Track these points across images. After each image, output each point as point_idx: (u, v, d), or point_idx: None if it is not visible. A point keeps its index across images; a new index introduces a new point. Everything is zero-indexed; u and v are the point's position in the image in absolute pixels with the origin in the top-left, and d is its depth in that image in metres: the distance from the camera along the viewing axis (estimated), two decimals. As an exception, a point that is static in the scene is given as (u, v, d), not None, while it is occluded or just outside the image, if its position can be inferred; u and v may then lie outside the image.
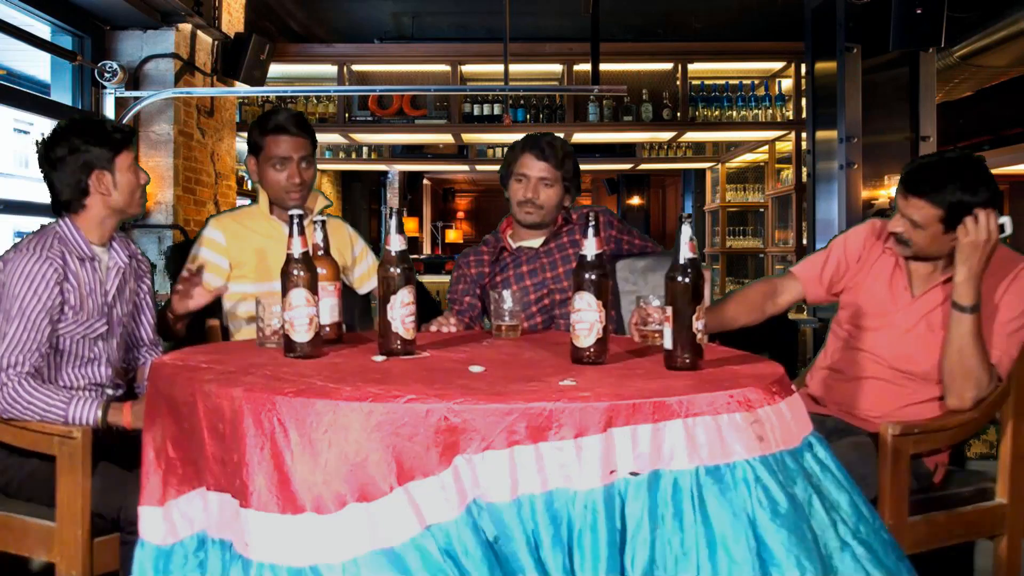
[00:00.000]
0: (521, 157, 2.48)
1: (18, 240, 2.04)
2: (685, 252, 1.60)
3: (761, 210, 7.90)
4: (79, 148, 2.03)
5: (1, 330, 1.93)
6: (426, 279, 7.63)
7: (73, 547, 1.87)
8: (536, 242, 2.57)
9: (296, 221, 1.74)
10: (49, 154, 2.06)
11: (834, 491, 1.48)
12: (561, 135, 7.03)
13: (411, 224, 14.12)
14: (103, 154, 2.04)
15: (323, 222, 2.00)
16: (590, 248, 1.65)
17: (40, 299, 1.95)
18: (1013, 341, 2.00)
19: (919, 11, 4.54)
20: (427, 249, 15.44)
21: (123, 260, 2.16)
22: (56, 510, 1.88)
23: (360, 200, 11.94)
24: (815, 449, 1.49)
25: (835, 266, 2.27)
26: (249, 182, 7.40)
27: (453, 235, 17.25)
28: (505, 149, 8.62)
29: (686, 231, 1.61)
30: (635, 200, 14.65)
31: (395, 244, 1.75)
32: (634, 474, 1.28)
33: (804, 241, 6.24)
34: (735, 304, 2.35)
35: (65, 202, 2.07)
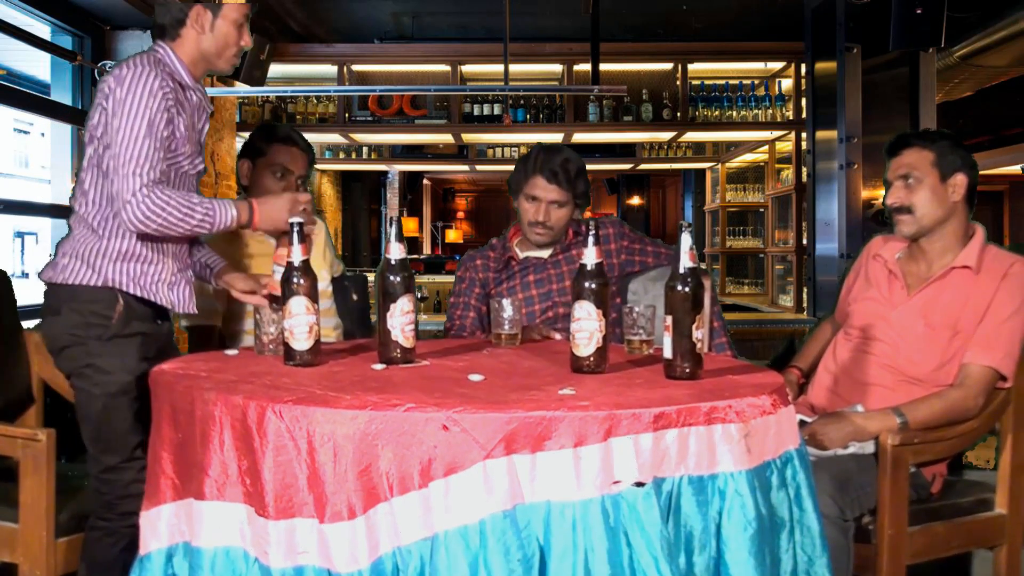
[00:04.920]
0: (533, 178, 2.44)
1: (114, 67, 1.93)
2: (685, 261, 1.60)
3: (761, 210, 7.89)
4: None
5: (133, 147, 1.85)
6: (426, 279, 7.63)
7: (37, 548, 1.88)
8: (544, 253, 2.56)
9: (296, 229, 1.74)
10: None
11: (801, 514, 1.49)
12: (561, 135, 7.06)
13: (411, 224, 14.12)
14: None
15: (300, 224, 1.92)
16: (590, 257, 1.65)
17: (163, 117, 1.89)
18: (1013, 339, 2.02)
19: (919, 11, 4.53)
20: (427, 249, 15.44)
21: (208, 105, 2.11)
22: (19, 511, 1.88)
23: (360, 200, 11.93)
24: (794, 465, 1.49)
25: (847, 291, 2.36)
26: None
27: (453, 235, 17.24)
28: (505, 149, 8.61)
29: (686, 240, 1.61)
30: (635, 200, 14.65)
31: (395, 252, 1.75)
32: (639, 484, 1.29)
33: (804, 241, 6.23)
34: (817, 346, 2.45)
35: (160, 26, 2.02)
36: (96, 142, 1.93)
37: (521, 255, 2.57)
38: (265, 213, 1.95)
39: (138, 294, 1.92)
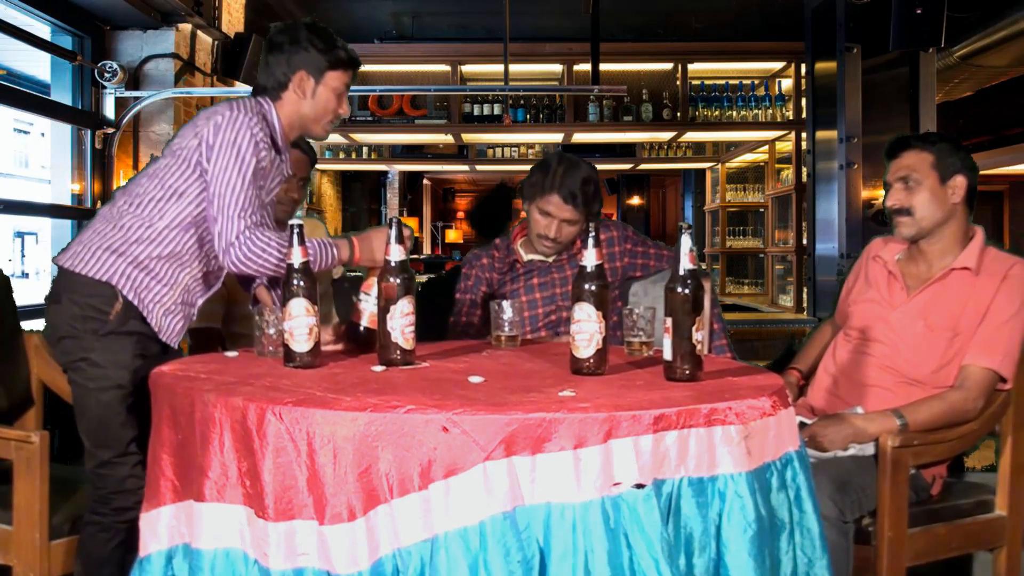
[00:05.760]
0: (549, 195, 2.37)
1: (218, 106, 1.94)
2: (685, 263, 1.60)
3: (761, 210, 7.89)
4: (300, 43, 2.01)
5: (240, 189, 1.87)
6: (426, 279, 7.63)
7: (31, 550, 1.88)
8: (549, 256, 2.55)
9: (296, 231, 1.74)
10: (274, 36, 2.04)
11: (801, 516, 1.50)
12: (561, 135, 7.06)
13: (411, 224, 14.12)
14: (318, 62, 2.01)
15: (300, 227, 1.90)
16: (590, 259, 1.65)
17: (262, 167, 1.92)
18: (1013, 341, 2.02)
19: (919, 11, 4.53)
20: (427, 249, 15.45)
21: (288, 170, 2.10)
22: (13, 513, 1.89)
23: (360, 200, 11.94)
24: (794, 467, 1.50)
25: (846, 292, 2.35)
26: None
27: (453, 235, 17.25)
28: (505, 149, 8.65)
29: (686, 241, 1.60)
30: (635, 200, 14.66)
31: (395, 254, 1.75)
32: (640, 486, 1.29)
33: (804, 241, 6.24)
34: (817, 348, 2.43)
35: (262, 87, 2.04)
36: (173, 158, 1.92)
37: (525, 257, 2.55)
38: (365, 249, 1.96)
39: (135, 303, 1.91)
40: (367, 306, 1.92)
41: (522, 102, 6.78)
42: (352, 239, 1.98)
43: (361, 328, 1.95)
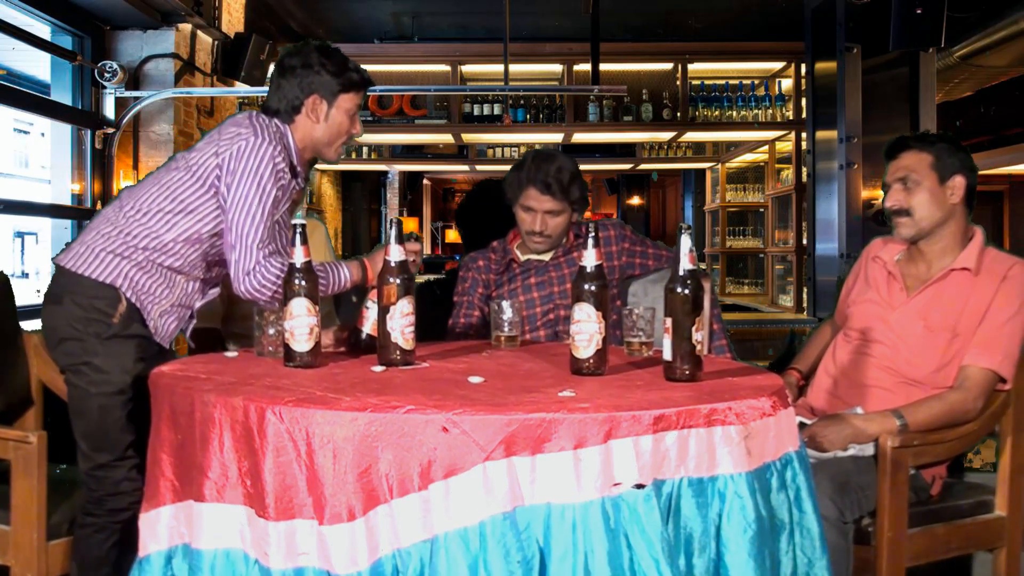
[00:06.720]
0: (526, 189, 2.41)
1: (241, 125, 1.94)
2: (685, 263, 1.60)
3: (761, 210, 7.89)
4: (312, 66, 2.00)
5: (259, 220, 1.88)
6: (426, 280, 7.62)
7: (29, 550, 1.88)
8: (546, 255, 2.54)
9: (299, 231, 1.74)
10: (285, 59, 2.03)
11: (800, 516, 1.50)
12: (561, 135, 7.06)
13: (411, 224, 14.13)
14: (330, 84, 2.01)
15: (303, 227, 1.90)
16: (589, 259, 1.65)
17: (281, 189, 1.93)
18: (1013, 341, 2.02)
19: (919, 11, 4.54)
20: (427, 249, 15.45)
21: (300, 184, 2.09)
22: (11, 513, 1.89)
23: (360, 200, 11.94)
24: (794, 467, 1.50)
25: (846, 293, 2.35)
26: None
27: (453, 235, 17.23)
28: (505, 149, 8.60)
29: (686, 242, 1.61)
30: (635, 200, 14.66)
31: (395, 254, 1.75)
32: (640, 486, 1.29)
33: (804, 241, 6.24)
34: (816, 348, 2.42)
35: (275, 110, 2.03)
36: (188, 174, 1.93)
37: (522, 258, 2.55)
38: (377, 268, 1.94)
39: (136, 305, 1.92)
40: (373, 313, 1.92)
41: (522, 102, 6.78)
42: (363, 260, 1.99)
43: (364, 335, 1.95)
